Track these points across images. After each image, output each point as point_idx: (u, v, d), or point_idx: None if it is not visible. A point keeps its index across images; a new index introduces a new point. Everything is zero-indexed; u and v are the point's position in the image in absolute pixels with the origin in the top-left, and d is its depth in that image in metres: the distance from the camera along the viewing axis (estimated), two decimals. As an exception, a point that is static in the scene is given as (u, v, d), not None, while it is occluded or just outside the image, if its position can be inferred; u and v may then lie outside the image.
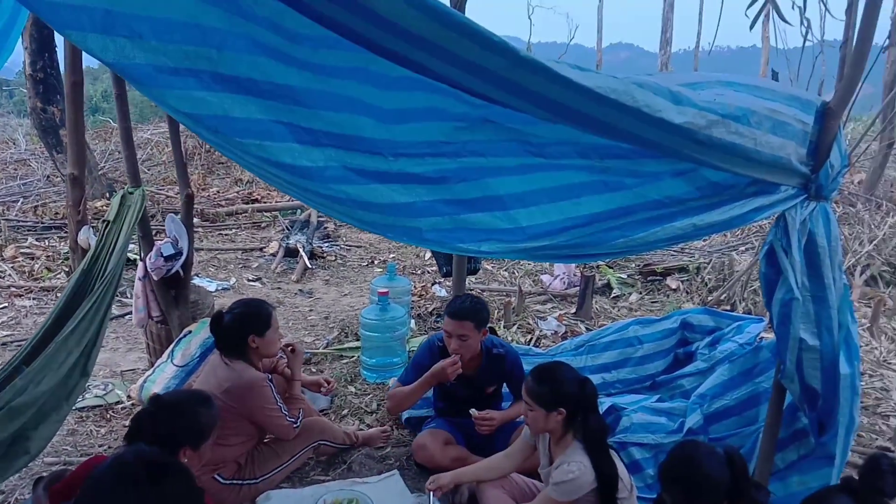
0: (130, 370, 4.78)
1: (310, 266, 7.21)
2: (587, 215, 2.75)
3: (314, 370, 4.85)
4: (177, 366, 3.89)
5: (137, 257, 4.53)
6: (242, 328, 3.26)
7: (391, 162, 2.34)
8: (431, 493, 3.13)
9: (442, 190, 2.52)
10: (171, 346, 4.08)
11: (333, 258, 7.72)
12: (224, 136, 2.03)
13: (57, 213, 8.62)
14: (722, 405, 3.45)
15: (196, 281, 6.41)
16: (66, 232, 7.00)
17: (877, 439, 4.30)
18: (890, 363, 5.43)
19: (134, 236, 4.23)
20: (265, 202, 9.50)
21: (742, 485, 2.22)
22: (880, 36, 5.40)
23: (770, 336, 3.95)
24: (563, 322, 5.73)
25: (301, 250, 7.37)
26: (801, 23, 4.69)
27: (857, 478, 1.81)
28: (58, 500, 2.31)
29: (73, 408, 4.10)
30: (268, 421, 3.25)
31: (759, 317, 4.48)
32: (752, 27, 4.94)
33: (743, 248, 7.22)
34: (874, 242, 7.07)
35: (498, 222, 2.68)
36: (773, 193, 2.74)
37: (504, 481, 3.19)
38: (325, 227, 8.39)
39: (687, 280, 6.70)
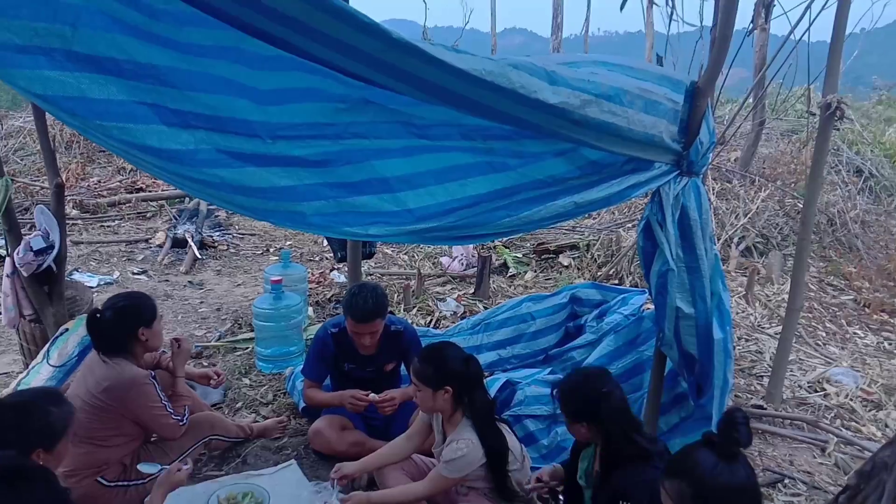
0: (4, 373, 4.46)
1: (200, 256, 6.94)
2: (473, 196, 2.79)
3: (206, 364, 4.68)
4: (53, 366, 3.64)
5: (4, 252, 4.21)
6: (129, 322, 3.08)
7: (269, 145, 2.27)
8: (334, 481, 3.09)
9: (325, 173, 2.47)
10: (47, 345, 3.82)
11: (225, 247, 7.47)
12: (83, 118, 1.90)
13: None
14: (609, 374, 3.60)
15: (76, 276, 6.05)
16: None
17: (751, 398, 4.62)
18: (764, 328, 5.83)
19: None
20: (150, 191, 9.03)
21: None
22: (747, 20, 5.73)
23: (652, 307, 4.15)
24: (462, 302, 5.80)
25: (190, 240, 7.08)
26: (667, 4, 4.91)
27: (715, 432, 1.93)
28: None
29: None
30: (152, 420, 3.10)
31: (643, 289, 4.70)
32: (622, 8, 5.14)
33: (630, 225, 7.52)
34: (749, 216, 7.55)
35: (385, 205, 2.67)
36: (648, 170, 2.86)
37: (405, 464, 3.20)
38: (217, 216, 8.09)
39: (578, 257, 6.93)
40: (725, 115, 9.32)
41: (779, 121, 10.65)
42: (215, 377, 3.78)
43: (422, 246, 7.47)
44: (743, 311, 6.09)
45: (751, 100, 8.21)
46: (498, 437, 2.86)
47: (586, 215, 8.27)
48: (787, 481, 3.64)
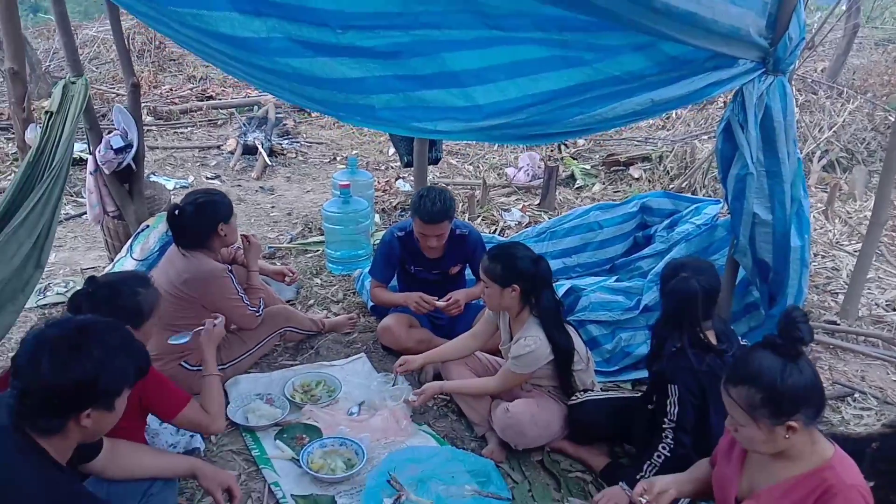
0: (91, 268, 4.72)
1: (270, 163, 7.06)
2: (545, 92, 2.71)
3: (279, 264, 4.84)
4: (136, 260, 3.83)
5: (87, 152, 4.38)
6: (209, 216, 3.20)
7: (339, 35, 2.24)
8: (397, 372, 3.22)
9: (395, 65, 2.43)
10: (130, 240, 4.01)
11: (294, 155, 7.56)
12: (156, 4, 1.91)
13: (1, 114, 8.23)
14: (677, 283, 3.55)
15: (153, 178, 6.26)
16: (12, 133, 6.71)
17: (824, 314, 4.49)
18: (842, 245, 5.60)
19: (81, 128, 4.08)
20: (220, 99, 9.16)
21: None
22: None
23: (727, 215, 4.02)
24: (527, 213, 5.76)
25: (260, 147, 7.19)
26: None
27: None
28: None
29: (36, 304, 4.08)
30: (230, 311, 3.25)
31: (717, 199, 4.55)
32: None
33: (706, 137, 7.22)
34: (833, 129, 7.13)
35: (454, 100, 2.62)
36: (731, 67, 2.71)
37: (468, 359, 3.28)
38: (285, 124, 8.17)
39: (649, 169, 6.73)
40: (814, 24, 8.67)
41: (874, 28, 9.87)
42: (290, 274, 3.91)
43: (487, 156, 7.39)
44: (821, 228, 5.85)
45: (843, 6, 7.60)
46: (565, 335, 2.88)
47: (660, 125, 7.98)
48: (857, 395, 3.57)
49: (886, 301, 4.69)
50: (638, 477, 2.55)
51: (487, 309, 3.20)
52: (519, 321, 2.96)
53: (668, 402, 2.54)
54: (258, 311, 3.36)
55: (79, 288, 2.37)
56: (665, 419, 2.55)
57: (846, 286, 4.66)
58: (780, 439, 1.82)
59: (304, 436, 3.03)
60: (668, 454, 2.52)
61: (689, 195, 4.62)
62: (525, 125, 2.70)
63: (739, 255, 3.06)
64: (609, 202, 4.71)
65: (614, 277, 3.89)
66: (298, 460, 2.82)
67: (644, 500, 2.18)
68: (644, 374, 3.13)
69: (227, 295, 3.22)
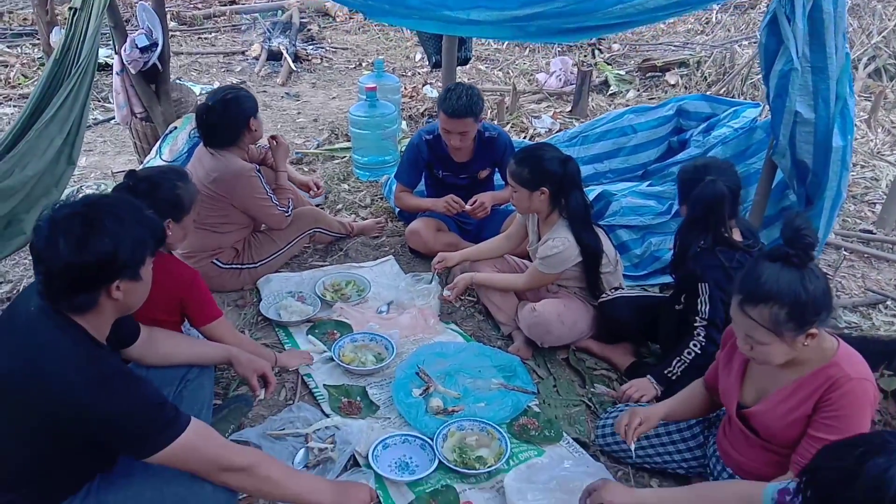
0: (121, 171, 4.74)
1: (295, 69, 6.95)
2: (583, -24, 2.57)
3: (306, 170, 4.84)
4: (165, 161, 3.84)
5: (112, 56, 4.32)
6: (237, 111, 3.17)
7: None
8: (436, 270, 3.23)
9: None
10: (158, 142, 4.02)
11: (319, 61, 7.42)
12: None
13: (25, 20, 8.14)
14: (711, 186, 3.47)
15: (179, 82, 6.20)
16: (37, 37, 6.65)
17: (860, 223, 4.40)
18: (884, 155, 5.42)
19: (106, 31, 4.02)
20: (244, 3, 8.95)
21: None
22: None
23: (766, 117, 3.89)
24: (558, 120, 5.63)
25: (285, 53, 7.06)
26: None
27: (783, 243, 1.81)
28: None
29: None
30: (259, 210, 3.28)
31: (756, 102, 4.38)
32: None
33: (746, 42, 6.92)
34: (882, 34, 6.77)
35: (487, -16, 2.50)
36: (782, -49, 2.55)
37: (497, 261, 3.28)
38: (309, 29, 7.98)
39: (686, 75, 6.50)
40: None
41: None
42: (315, 188, 3.90)
43: (517, 62, 7.18)
44: (863, 137, 5.65)
45: None
46: (593, 237, 2.86)
47: (699, 29, 7.65)
48: (889, 303, 3.53)
49: (926, 211, 4.56)
50: (666, 372, 2.58)
51: (517, 215, 3.18)
52: (548, 223, 2.94)
53: (700, 300, 2.53)
54: (287, 211, 3.37)
55: (118, 183, 2.38)
56: (696, 317, 2.55)
57: (884, 196, 4.53)
58: (798, 348, 1.79)
59: (335, 331, 3.09)
60: (700, 351, 2.53)
61: (727, 98, 4.45)
62: (560, 15, 2.58)
63: (778, 156, 2.97)
64: (644, 105, 4.58)
65: (647, 182, 3.82)
66: (330, 354, 2.89)
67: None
68: (673, 278, 3.11)
69: (255, 194, 3.23)
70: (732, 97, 5.89)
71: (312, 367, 2.85)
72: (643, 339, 3.02)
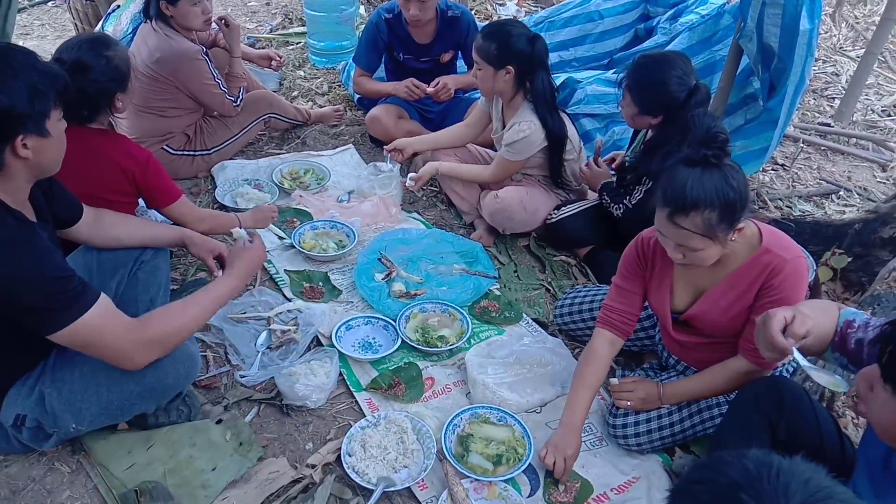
0: (62, 56, 4.49)
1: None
2: None
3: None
4: (109, 42, 3.62)
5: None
6: None
7: None
8: (389, 155, 3.16)
9: None
10: (101, 22, 3.76)
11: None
12: None
13: None
14: (676, 67, 3.43)
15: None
16: None
17: (819, 117, 4.44)
18: (846, 50, 5.42)
19: None
20: None
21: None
22: None
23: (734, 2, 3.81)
24: (523, 7, 5.45)
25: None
26: None
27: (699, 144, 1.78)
28: None
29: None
30: (206, 96, 3.12)
31: (726, -12, 4.29)
32: None
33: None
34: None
35: None
36: None
37: (458, 150, 3.22)
38: None
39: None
40: None
41: None
42: (277, 58, 3.73)
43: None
44: (827, 31, 5.63)
45: None
46: (559, 121, 2.81)
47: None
48: (842, 193, 3.62)
49: (882, 107, 4.62)
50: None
51: (481, 98, 3.09)
52: (512, 107, 2.87)
53: (637, 189, 2.60)
54: (236, 101, 3.22)
55: None
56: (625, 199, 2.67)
57: (843, 91, 4.56)
58: (728, 244, 1.77)
59: (294, 219, 3.04)
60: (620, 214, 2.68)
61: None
62: None
63: (745, 39, 2.93)
64: (611, -9, 4.43)
65: (612, 71, 3.75)
66: (291, 241, 2.85)
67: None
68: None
69: (202, 80, 3.07)
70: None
71: (272, 253, 2.81)
72: (601, 244, 2.93)
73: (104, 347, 1.66)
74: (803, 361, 1.47)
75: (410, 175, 3.00)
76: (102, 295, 1.64)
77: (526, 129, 2.77)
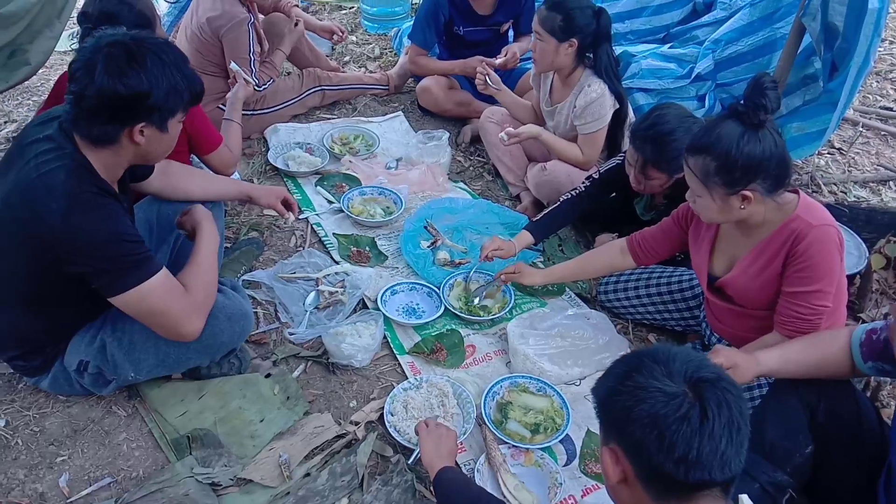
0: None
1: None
2: None
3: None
4: (168, 2, 3.69)
5: None
6: None
7: None
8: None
9: None
10: (160, -18, 3.83)
11: None
12: None
13: None
14: (735, 50, 3.34)
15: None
16: None
17: (881, 100, 4.30)
18: (914, 30, 5.21)
19: None
20: None
21: None
22: None
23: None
24: (577, -22, 5.34)
25: None
26: None
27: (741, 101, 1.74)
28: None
29: (70, 48, 4.01)
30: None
31: (791, -37, 4.14)
32: None
33: None
34: None
35: None
36: None
37: (505, 121, 3.20)
38: None
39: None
40: None
41: None
42: (339, 33, 3.71)
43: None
44: (895, 11, 5.40)
45: None
46: (621, 89, 2.78)
47: None
48: (900, 179, 3.52)
49: (951, 93, 4.44)
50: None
51: (532, 70, 3.07)
52: (569, 82, 2.83)
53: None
54: (260, 86, 3.22)
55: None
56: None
57: (910, 73, 4.40)
58: (734, 210, 1.77)
59: (343, 184, 3.09)
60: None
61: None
62: None
63: (808, 18, 2.84)
64: (671, -37, 4.31)
65: (668, 45, 3.67)
66: (339, 205, 2.90)
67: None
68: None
69: (237, 51, 3.06)
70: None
71: (321, 216, 2.87)
72: None
73: (160, 314, 1.74)
74: None
75: (507, 130, 2.89)
76: (164, 268, 1.73)
77: (596, 90, 2.72)
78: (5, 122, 3.42)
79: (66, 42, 4.01)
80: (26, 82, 2.96)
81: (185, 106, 1.74)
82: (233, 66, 2.90)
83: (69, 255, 1.62)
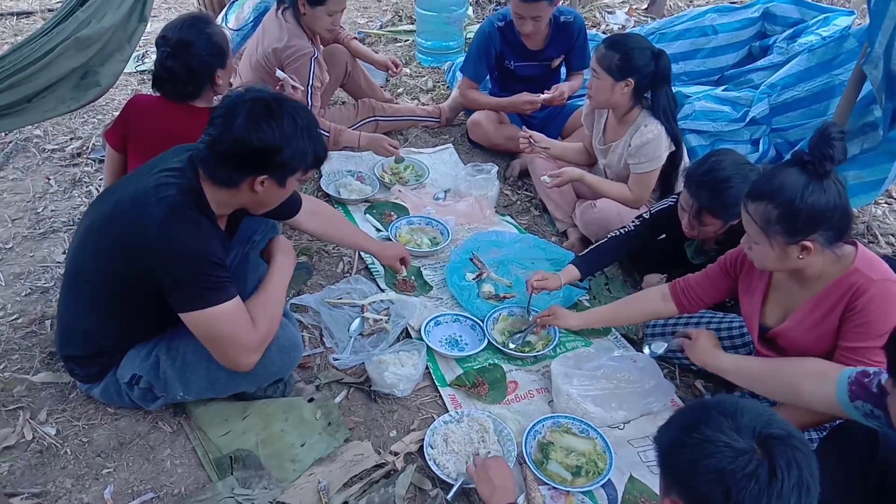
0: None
1: (362, -54, 6.69)
2: None
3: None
4: (231, 29, 3.80)
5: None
6: None
7: None
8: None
9: None
10: (224, 9, 3.97)
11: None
12: None
13: None
14: (791, 95, 3.31)
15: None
16: None
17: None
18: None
19: None
20: None
21: None
22: None
23: (861, 23, 3.64)
24: (633, 16, 5.37)
25: (353, -73, 6.79)
26: None
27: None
28: (114, 138, 2.47)
29: (135, 69, 4.18)
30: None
31: (851, 9, 4.10)
32: None
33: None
34: None
35: None
36: None
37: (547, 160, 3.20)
38: None
39: (773, -20, 6.06)
40: None
41: None
42: (394, 68, 3.77)
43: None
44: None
45: None
46: (678, 131, 2.77)
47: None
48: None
49: None
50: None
51: (585, 105, 3.08)
52: (625, 121, 2.83)
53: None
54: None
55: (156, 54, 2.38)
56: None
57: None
58: (792, 259, 1.74)
59: (392, 213, 3.12)
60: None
61: (819, 3, 4.15)
62: None
63: (870, 66, 2.79)
64: (728, 5, 4.33)
65: (722, 88, 3.65)
66: (387, 234, 2.93)
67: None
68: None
69: (298, 74, 3.11)
70: (824, 2, 5.51)
71: (369, 244, 2.91)
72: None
73: (223, 341, 1.79)
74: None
75: (551, 172, 2.93)
76: (238, 298, 1.80)
77: (652, 130, 2.72)
78: (71, 139, 3.55)
79: (132, 64, 4.19)
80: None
81: (307, 167, 1.85)
82: (279, 73, 3.00)
83: (158, 262, 1.71)
